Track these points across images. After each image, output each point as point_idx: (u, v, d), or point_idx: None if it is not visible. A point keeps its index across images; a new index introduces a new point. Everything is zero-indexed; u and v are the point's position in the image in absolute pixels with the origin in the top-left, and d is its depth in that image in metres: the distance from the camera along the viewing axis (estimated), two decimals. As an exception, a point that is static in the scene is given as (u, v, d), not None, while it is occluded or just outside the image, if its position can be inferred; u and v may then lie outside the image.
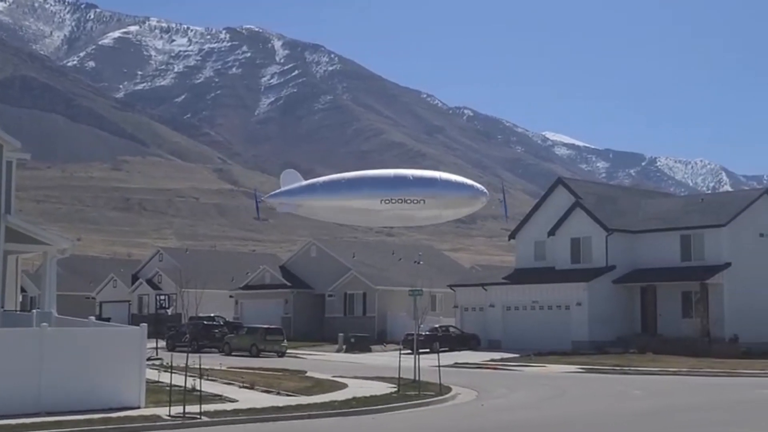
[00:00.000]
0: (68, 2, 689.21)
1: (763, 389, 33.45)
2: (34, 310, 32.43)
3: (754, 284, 57.32)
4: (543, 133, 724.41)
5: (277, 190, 25.59)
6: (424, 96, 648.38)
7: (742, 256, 57.61)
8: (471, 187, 21.06)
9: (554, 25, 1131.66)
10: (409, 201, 20.51)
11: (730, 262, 56.94)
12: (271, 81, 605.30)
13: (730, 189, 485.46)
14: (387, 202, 20.75)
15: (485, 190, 20.90)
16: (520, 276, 63.94)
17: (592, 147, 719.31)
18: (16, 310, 33.82)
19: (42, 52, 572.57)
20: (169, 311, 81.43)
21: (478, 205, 20.85)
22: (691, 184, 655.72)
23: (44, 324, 25.64)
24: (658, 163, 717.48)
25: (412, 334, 57.88)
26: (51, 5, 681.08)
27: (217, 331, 63.63)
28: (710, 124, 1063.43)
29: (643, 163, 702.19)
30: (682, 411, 26.57)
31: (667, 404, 28.55)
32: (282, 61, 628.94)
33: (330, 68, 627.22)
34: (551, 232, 62.45)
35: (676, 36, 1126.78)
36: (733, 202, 62.76)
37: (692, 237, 58.95)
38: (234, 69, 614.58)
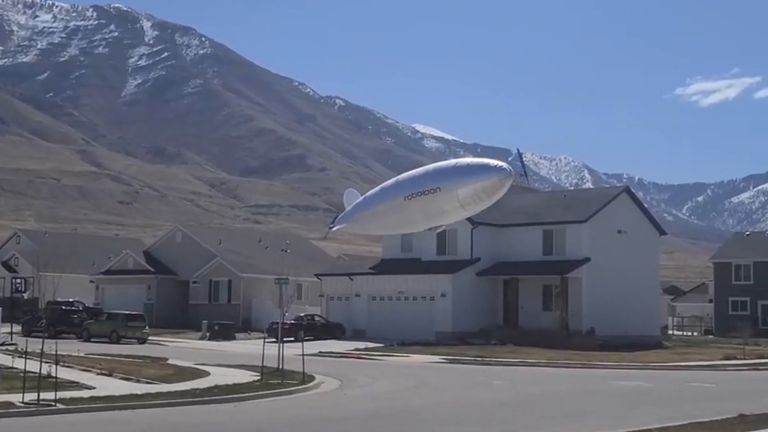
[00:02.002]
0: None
1: (616, 380, 34.57)
2: None
3: (611, 279, 59.25)
4: (413, 126, 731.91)
5: (340, 214, 24.24)
6: (296, 84, 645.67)
7: (601, 252, 59.47)
8: (488, 167, 19.42)
9: (425, 18, 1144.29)
10: (426, 192, 19.72)
11: (590, 257, 58.71)
12: (139, 62, 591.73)
13: (591, 186, 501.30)
14: (409, 198, 20.05)
15: (505, 167, 19.24)
16: (386, 266, 64.37)
17: (461, 141, 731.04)
18: None
19: None
20: (26, 295, 78.72)
21: (501, 185, 19.28)
22: (555, 180, 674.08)
23: None
24: (524, 159, 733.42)
25: (277, 323, 57.58)
26: None
27: (76, 316, 61.95)
28: (575, 123, 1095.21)
29: (509, 159, 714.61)
30: (539, 399, 27.20)
31: (526, 394, 29.20)
32: (151, 42, 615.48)
33: (201, 52, 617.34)
34: (418, 224, 62.97)
35: (543, 35, 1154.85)
36: (593, 199, 64.71)
37: (554, 232, 60.51)
38: (101, 48, 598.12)
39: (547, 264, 59.33)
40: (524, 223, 62.15)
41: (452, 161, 21.44)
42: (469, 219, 60.78)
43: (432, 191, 19.64)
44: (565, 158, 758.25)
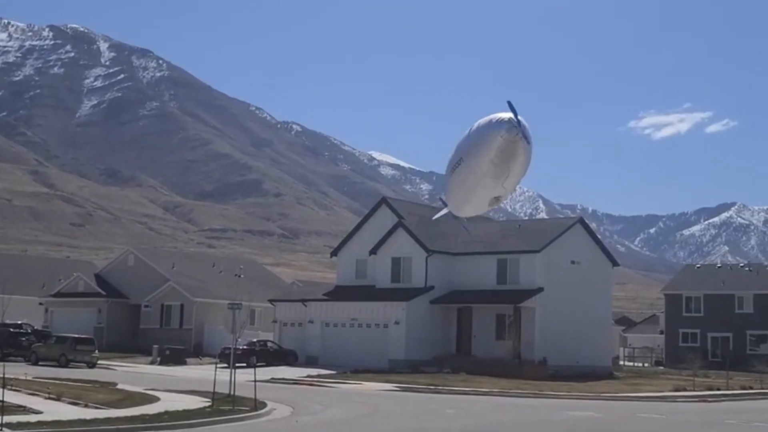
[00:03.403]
0: None
1: (567, 410, 34.72)
2: None
3: (564, 309, 59.62)
4: (369, 153, 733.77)
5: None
6: (253, 108, 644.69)
7: (554, 282, 59.84)
8: (489, 125, 16.77)
9: (383, 47, 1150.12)
10: (456, 164, 18.40)
11: (543, 287, 59.04)
12: (95, 83, 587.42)
13: (546, 216, 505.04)
14: (450, 172, 18.89)
15: (506, 120, 16.70)
16: (340, 293, 64.22)
17: (417, 169, 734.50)
18: None
19: None
20: (-27, 317, 77.34)
21: (511, 143, 16.69)
22: (509, 210, 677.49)
23: None
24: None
25: (229, 348, 57.17)
26: None
27: (24, 339, 60.90)
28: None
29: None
30: (490, 428, 27.21)
31: (477, 422, 29.21)
32: (107, 63, 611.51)
33: (158, 74, 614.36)
34: (373, 251, 63.07)
35: (498, 65, 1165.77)
36: (547, 230, 65.16)
37: (508, 261, 60.80)
38: (56, 68, 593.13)
39: (500, 293, 59.55)
40: (479, 252, 62.38)
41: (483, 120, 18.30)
42: (423, 247, 61.11)
43: (457, 163, 18.31)
44: (519, 188, 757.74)
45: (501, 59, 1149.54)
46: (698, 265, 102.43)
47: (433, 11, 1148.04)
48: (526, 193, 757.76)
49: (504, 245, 62.34)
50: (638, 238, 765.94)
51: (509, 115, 17.17)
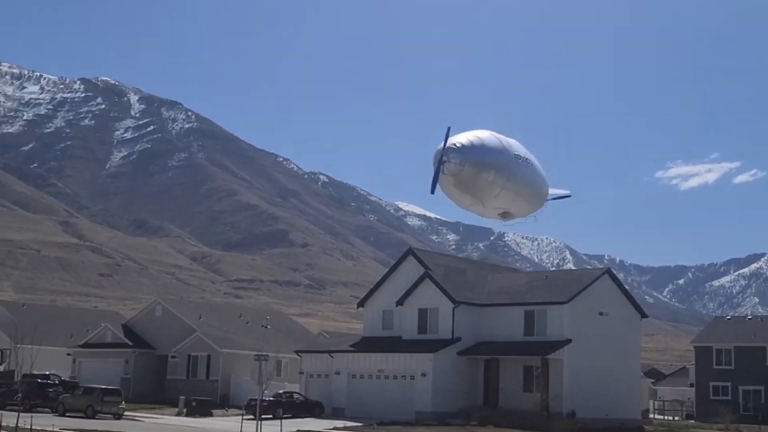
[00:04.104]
0: None
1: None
2: None
3: (592, 361, 59.05)
4: (396, 203, 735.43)
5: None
6: (281, 159, 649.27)
7: (582, 334, 59.35)
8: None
9: (407, 100, 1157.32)
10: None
11: (571, 338, 58.55)
12: (125, 135, 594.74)
13: (573, 267, 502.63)
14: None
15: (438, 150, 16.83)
16: (366, 344, 63.99)
17: (443, 219, 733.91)
18: None
19: None
20: (1, 368, 77.78)
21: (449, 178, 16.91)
22: (536, 260, 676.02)
23: None
24: (506, 238, 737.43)
25: (256, 399, 57.04)
26: None
27: (51, 390, 61.00)
28: (556, 204, 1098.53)
29: (491, 238, 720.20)
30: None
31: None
32: (137, 115, 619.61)
33: (186, 126, 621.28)
34: (400, 302, 62.92)
35: (522, 116, 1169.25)
36: (575, 281, 64.72)
37: (535, 313, 60.40)
38: (87, 120, 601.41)
39: (528, 345, 59.11)
40: (505, 303, 62.07)
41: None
42: (450, 298, 60.89)
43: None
44: (546, 239, 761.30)
45: (526, 110, 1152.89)
46: (728, 317, 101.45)
47: (459, 67, 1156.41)
48: (553, 244, 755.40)
49: (531, 296, 62.01)
50: (667, 289, 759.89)
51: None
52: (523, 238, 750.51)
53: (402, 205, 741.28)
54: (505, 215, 19.52)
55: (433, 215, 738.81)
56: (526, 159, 19.51)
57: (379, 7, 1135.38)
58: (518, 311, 60.91)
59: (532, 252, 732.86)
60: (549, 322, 59.68)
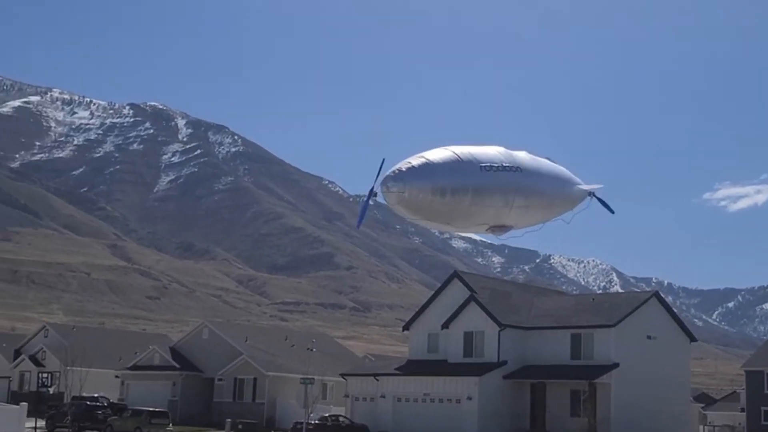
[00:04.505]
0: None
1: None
2: None
3: (640, 385, 58.39)
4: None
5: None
6: (326, 182, 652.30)
7: (630, 357, 58.75)
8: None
9: (454, 120, 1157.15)
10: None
11: (618, 362, 57.98)
12: (173, 159, 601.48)
13: (620, 290, 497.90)
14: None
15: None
16: (412, 367, 63.85)
17: (488, 242, 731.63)
18: None
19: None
20: (51, 390, 78.72)
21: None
22: (582, 283, 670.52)
23: None
24: (552, 261, 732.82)
25: (302, 423, 57.25)
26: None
27: (100, 412, 61.69)
28: (603, 226, 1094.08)
29: (537, 260, 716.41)
30: None
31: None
32: (185, 139, 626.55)
33: (233, 149, 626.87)
34: (445, 325, 62.77)
35: (570, 138, 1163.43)
36: (622, 304, 64.12)
37: (582, 336, 59.91)
38: (135, 145, 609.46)
39: (574, 368, 58.63)
40: (552, 326, 61.66)
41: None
42: (496, 321, 60.58)
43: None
44: (593, 261, 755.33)
45: (575, 134, 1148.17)
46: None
47: (508, 90, 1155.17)
48: (600, 266, 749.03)
49: (578, 319, 61.55)
50: (716, 312, 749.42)
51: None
52: (569, 260, 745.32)
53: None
54: (497, 229, 18.75)
55: (478, 238, 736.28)
56: (517, 168, 18.20)
57: (421, 40, 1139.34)
58: (565, 334, 60.47)
59: (578, 274, 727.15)
60: (596, 346, 59.17)
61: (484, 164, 17.48)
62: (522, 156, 19.01)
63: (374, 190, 17.85)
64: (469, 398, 58.53)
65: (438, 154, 17.79)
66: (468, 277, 69.30)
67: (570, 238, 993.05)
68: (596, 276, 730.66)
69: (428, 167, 17.43)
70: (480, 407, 58.10)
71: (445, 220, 18.00)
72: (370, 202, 18.47)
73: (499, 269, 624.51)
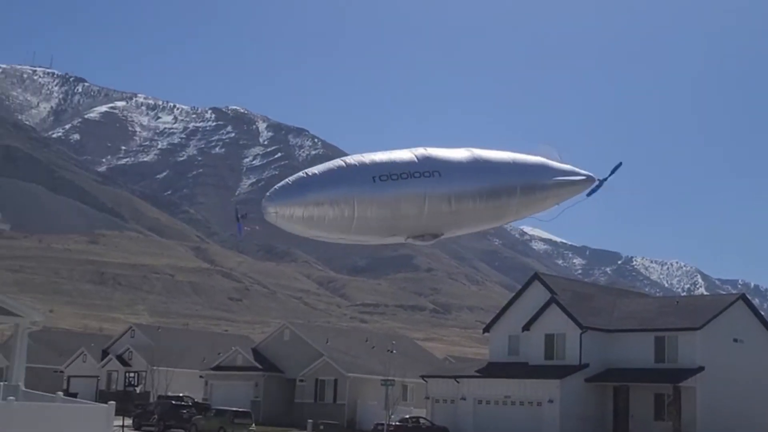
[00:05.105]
0: (57, 75, 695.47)
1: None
2: (1, 383, 32.01)
3: (727, 390, 57.29)
4: (521, 227, 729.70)
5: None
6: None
7: (716, 361, 57.68)
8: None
9: (548, 120, 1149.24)
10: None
11: (704, 366, 56.98)
12: (254, 162, 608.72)
13: (705, 292, 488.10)
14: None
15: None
16: (493, 370, 63.66)
17: (569, 243, 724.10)
18: (-18, 382, 33.34)
19: (27, 123, 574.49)
20: (138, 389, 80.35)
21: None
22: (666, 285, 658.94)
23: (11, 398, 25.30)
24: (634, 263, 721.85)
25: (382, 424, 57.49)
26: (40, 77, 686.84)
27: (185, 411, 62.81)
28: (687, 227, 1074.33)
29: (619, 262, 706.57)
30: None
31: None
32: (265, 143, 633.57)
33: (313, 152, 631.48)
34: (526, 327, 62.42)
35: (655, 139, 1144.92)
36: (708, 306, 63.00)
37: (666, 339, 59.02)
38: (217, 148, 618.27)
39: (658, 372, 57.76)
40: (635, 329, 60.85)
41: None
42: (577, 323, 60.00)
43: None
44: (676, 263, 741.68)
45: (658, 134, 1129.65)
46: None
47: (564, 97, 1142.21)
48: (684, 268, 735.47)
49: (662, 322, 60.62)
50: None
51: None
52: (652, 262, 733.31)
53: (527, 229, 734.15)
54: (419, 238, 17.11)
55: (558, 239, 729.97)
56: (434, 173, 16.58)
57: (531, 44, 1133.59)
58: (648, 337, 59.65)
59: (661, 276, 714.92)
60: (681, 349, 58.25)
61: (380, 174, 16.13)
62: (454, 156, 17.37)
63: (243, 213, 17.52)
64: (551, 401, 58.12)
65: (325, 166, 16.99)
66: (548, 279, 68.86)
67: (653, 239, 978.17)
68: (680, 278, 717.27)
69: (303, 182, 16.62)
70: (562, 410, 57.66)
71: (340, 235, 17.04)
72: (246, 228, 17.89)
73: (580, 271, 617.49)
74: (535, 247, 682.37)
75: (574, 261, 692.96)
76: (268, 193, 16.84)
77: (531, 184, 18.11)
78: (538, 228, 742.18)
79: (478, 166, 17.46)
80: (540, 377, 59.26)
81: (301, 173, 16.90)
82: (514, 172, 17.99)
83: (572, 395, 58.32)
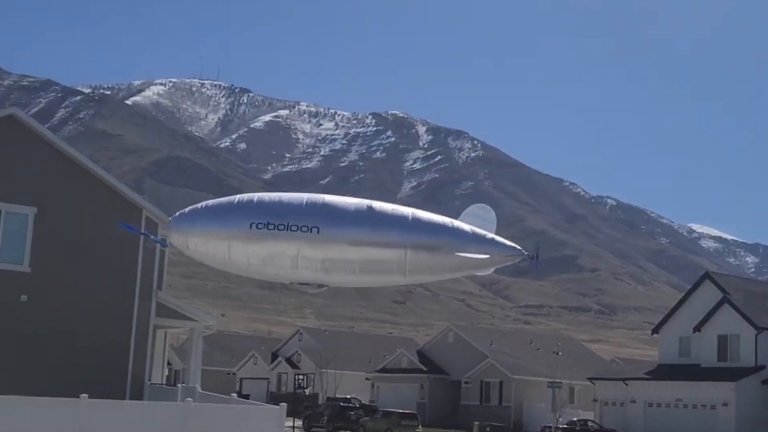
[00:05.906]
0: (224, 87, 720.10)
1: None
2: (180, 385, 33.35)
3: None
4: (689, 225, 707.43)
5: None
6: (567, 184, 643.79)
7: None
8: None
9: (698, 122, 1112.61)
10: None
11: None
12: (414, 166, 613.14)
13: None
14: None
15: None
16: (663, 372, 62.03)
17: (741, 241, 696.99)
18: (162, 384, 34.83)
19: (197, 134, 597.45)
20: (307, 391, 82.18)
21: None
22: None
23: (189, 399, 26.33)
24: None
25: (549, 427, 56.90)
26: (207, 90, 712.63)
27: (353, 413, 63.81)
28: None
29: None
30: None
31: None
32: (425, 146, 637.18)
33: (472, 154, 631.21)
34: (697, 328, 60.52)
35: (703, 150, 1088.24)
36: None
37: None
38: (378, 153, 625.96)
39: (842, 374, 54.93)
40: (815, 329, 58.08)
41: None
42: (752, 324, 57.73)
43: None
44: None
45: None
46: None
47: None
48: None
49: None
50: None
51: None
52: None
53: (695, 227, 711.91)
54: (305, 285, 16.35)
55: (729, 237, 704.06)
56: (312, 228, 15.64)
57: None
58: (830, 338, 56.80)
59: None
60: None
61: (258, 222, 15.37)
62: (347, 208, 16.58)
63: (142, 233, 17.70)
64: (725, 404, 56.17)
65: (222, 200, 16.43)
66: (720, 278, 66.57)
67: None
68: None
69: (194, 212, 16.34)
70: (737, 414, 55.64)
71: (228, 268, 16.56)
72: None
73: (753, 269, 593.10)
74: (704, 245, 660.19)
75: (747, 259, 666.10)
76: (170, 218, 17.19)
77: (424, 257, 16.60)
78: (706, 225, 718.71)
79: (369, 223, 16.36)
80: (713, 380, 57.36)
81: (199, 204, 16.78)
82: (407, 237, 16.48)
83: (748, 398, 56.18)
